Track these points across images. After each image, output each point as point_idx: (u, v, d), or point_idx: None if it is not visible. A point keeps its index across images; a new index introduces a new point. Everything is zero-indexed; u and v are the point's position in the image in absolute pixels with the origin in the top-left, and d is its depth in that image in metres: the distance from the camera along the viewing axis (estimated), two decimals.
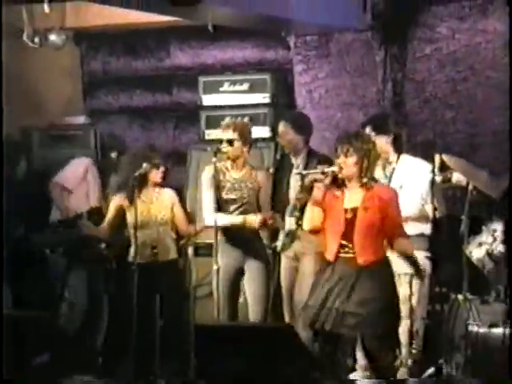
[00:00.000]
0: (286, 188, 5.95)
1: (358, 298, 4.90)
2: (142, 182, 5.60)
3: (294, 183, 5.94)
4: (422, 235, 5.67)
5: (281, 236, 5.92)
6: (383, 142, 5.82)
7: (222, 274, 5.54)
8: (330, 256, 5.05)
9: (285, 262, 5.94)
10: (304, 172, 5.23)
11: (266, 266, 5.71)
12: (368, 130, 5.85)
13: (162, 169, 5.67)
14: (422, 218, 5.71)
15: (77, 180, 6.44)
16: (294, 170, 5.98)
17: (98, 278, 6.27)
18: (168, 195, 5.71)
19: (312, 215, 5.10)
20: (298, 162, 5.99)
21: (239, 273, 5.68)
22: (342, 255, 5.01)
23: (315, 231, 5.19)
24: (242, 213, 5.63)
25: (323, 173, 5.06)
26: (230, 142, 5.58)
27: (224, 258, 5.59)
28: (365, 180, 5.02)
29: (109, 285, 6.29)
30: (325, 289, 4.98)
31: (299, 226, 5.77)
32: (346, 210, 5.02)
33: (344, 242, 4.99)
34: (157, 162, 5.63)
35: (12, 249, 5.91)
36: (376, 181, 5.12)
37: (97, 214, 6.20)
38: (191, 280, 6.01)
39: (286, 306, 5.95)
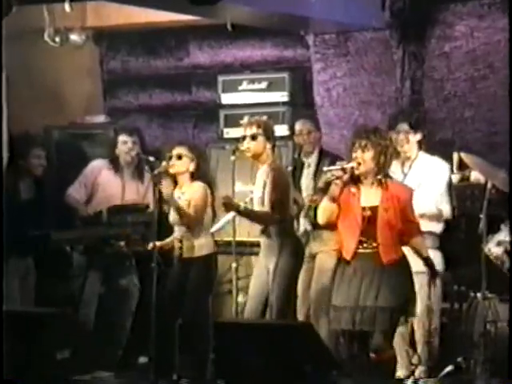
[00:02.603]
0: (299, 187, 5.95)
1: (385, 295, 4.91)
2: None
3: (307, 183, 5.94)
4: (432, 233, 5.67)
5: None
6: (416, 139, 5.83)
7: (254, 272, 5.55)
8: (347, 254, 5.05)
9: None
10: (325, 168, 5.20)
11: (293, 264, 5.65)
12: (404, 126, 5.82)
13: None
14: (435, 216, 5.71)
15: (88, 188, 6.39)
16: (305, 171, 5.98)
17: (118, 275, 6.30)
18: (192, 192, 5.70)
19: (327, 210, 5.08)
20: (309, 161, 6.00)
21: (267, 273, 5.65)
22: (360, 251, 5.00)
23: (329, 226, 5.19)
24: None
25: (343, 169, 5.04)
26: (254, 137, 5.58)
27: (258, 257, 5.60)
28: (380, 176, 5.02)
29: (129, 282, 6.32)
30: (352, 288, 4.97)
31: (314, 226, 5.79)
32: (363, 208, 5.01)
33: (363, 239, 4.99)
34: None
35: (33, 246, 5.95)
36: (391, 178, 5.12)
37: (118, 212, 6.23)
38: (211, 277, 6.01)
39: (301, 306, 5.93)
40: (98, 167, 6.42)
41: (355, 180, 5.05)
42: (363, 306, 4.94)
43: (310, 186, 5.88)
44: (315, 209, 5.59)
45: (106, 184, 6.36)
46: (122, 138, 6.36)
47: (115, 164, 6.37)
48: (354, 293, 4.96)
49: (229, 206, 5.42)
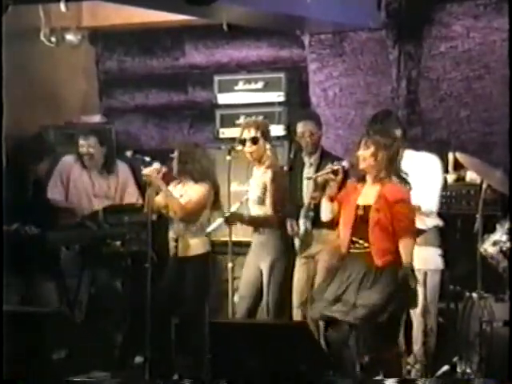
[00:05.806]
0: (299, 187, 5.96)
1: (369, 293, 4.91)
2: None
3: (308, 182, 5.94)
4: (434, 228, 5.66)
5: (296, 239, 5.91)
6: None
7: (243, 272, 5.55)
8: (343, 247, 5.09)
9: (300, 262, 5.93)
10: (314, 176, 5.23)
11: (288, 263, 5.66)
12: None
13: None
14: (424, 212, 5.67)
15: (64, 184, 6.47)
16: (306, 170, 5.99)
17: (114, 275, 6.30)
18: (192, 191, 5.71)
19: (327, 209, 5.12)
20: (311, 160, 6.01)
21: (259, 272, 5.66)
22: (352, 251, 5.03)
23: (332, 223, 5.21)
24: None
25: (334, 171, 5.07)
26: (254, 141, 5.57)
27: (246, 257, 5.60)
28: (382, 175, 5.02)
29: (124, 282, 6.32)
30: (336, 283, 4.98)
31: (314, 226, 5.80)
32: (357, 206, 5.03)
33: (354, 239, 5.01)
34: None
35: (28, 246, 5.95)
36: (397, 176, 5.08)
37: (114, 212, 6.23)
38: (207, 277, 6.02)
39: (300, 306, 5.92)
40: (69, 163, 6.53)
41: (363, 177, 5.05)
42: (345, 300, 4.92)
43: (310, 184, 5.90)
44: (315, 208, 5.62)
45: (77, 180, 6.48)
46: (80, 141, 6.46)
47: (81, 161, 6.49)
48: (337, 288, 4.95)
49: (232, 219, 5.45)
